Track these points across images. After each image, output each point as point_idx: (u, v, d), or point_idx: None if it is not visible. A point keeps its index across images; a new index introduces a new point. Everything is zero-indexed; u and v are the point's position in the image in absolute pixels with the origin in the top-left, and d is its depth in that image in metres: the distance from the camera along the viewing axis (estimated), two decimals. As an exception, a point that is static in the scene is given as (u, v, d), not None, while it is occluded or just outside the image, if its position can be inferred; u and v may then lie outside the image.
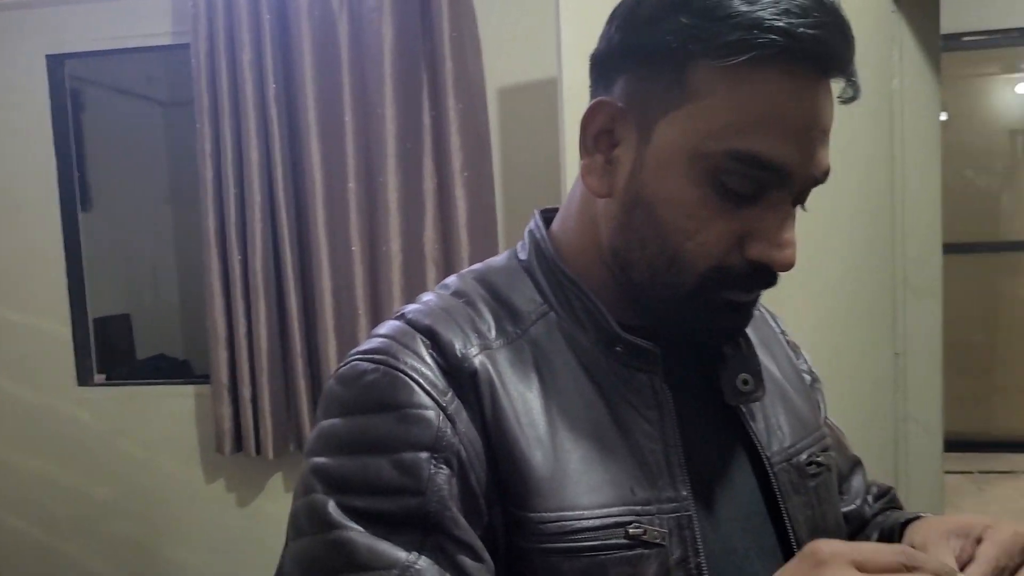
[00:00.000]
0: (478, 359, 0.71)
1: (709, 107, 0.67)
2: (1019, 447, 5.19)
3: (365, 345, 0.74)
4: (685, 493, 0.72)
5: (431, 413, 0.68)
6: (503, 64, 2.79)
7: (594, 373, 0.74)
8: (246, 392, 2.86)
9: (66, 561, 3.24)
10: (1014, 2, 3.54)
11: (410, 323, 0.74)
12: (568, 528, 0.68)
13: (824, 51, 0.66)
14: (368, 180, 2.78)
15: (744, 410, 0.81)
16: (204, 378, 3.06)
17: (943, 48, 2.44)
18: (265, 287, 2.81)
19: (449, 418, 0.69)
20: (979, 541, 0.72)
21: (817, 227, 2.10)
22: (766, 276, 0.72)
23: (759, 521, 0.78)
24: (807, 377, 0.94)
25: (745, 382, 0.79)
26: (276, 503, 3.06)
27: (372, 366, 0.71)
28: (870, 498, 0.99)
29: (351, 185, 2.76)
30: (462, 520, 0.67)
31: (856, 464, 1.01)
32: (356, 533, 0.65)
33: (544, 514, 0.68)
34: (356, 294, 2.79)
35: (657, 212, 0.71)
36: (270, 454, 2.86)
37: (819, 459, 0.84)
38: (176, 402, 3.12)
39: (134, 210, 4.73)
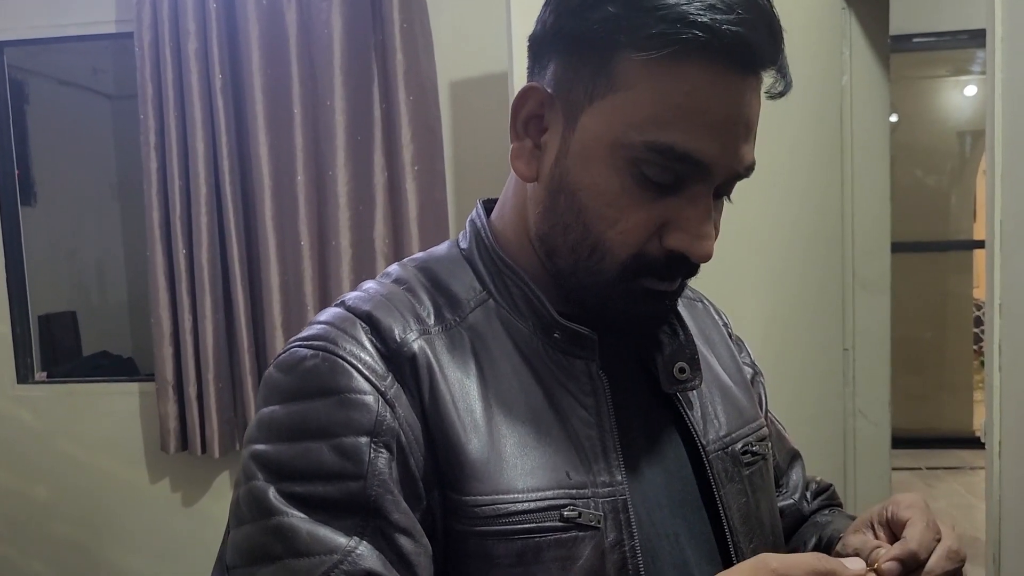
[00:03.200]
0: (417, 344, 0.72)
1: (632, 98, 0.68)
2: (966, 443, 5.28)
3: (305, 332, 0.75)
4: (620, 478, 0.73)
5: (370, 398, 0.69)
6: (454, 57, 2.77)
7: (532, 359, 0.75)
8: (192, 389, 2.81)
9: (4, 565, 3.15)
10: (964, 4, 3.59)
11: (350, 309, 0.75)
12: (503, 511, 0.68)
13: (746, 48, 0.67)
14: (317, 173, 2.74)
15: (680, 398, 0.81)
16: (149, 376, 2.99)
17: (893, 49, 2.47)
18: (211, 282, 2.76)
19: (388, 403, 0.69)
20: (901, 524, 0.74)
21: (767, 223, 2.11)
22: (685, 266, 0.73)
23: (693, 507, 0.79)
24: (748, 370, 0.95)
25: (681, 370, 0.80)
26: (222, 503, 3.00)
27: (311, 352, 0.71)
28: (808, 494, 1.00)
29: (300, 178, 2.72)
30: (403, 503, 0.68)
31: (795, 457, 1.01)
32: (297, 519, 0.66)
33: (479, 497, 0.68)
34: (305, 289, 2.75)
35: (580, 199, 0.72)
36: (216, 453, 2.81)
37: (755, 448, 0.85)
38: (120, 400, 3.05)
39: (81, 205, 4.65)
